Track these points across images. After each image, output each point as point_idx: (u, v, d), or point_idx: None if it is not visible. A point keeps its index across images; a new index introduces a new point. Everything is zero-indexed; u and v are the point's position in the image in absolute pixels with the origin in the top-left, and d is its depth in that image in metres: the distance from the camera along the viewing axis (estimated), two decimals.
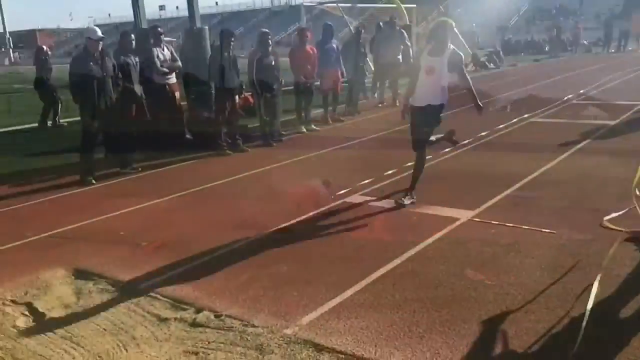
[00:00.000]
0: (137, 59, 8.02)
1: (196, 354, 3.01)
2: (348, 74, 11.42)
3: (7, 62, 67.58)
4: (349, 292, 3.64)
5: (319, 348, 3.00)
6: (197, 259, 4.33)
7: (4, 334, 3.34)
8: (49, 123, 12.11)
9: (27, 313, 3.62)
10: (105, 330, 3.32)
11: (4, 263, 4.47)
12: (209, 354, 3.00)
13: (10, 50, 72.56)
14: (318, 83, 10.34)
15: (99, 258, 4.47)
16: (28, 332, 3.36)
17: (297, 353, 2.96)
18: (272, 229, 4.94)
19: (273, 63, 8.82)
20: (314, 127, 10.20)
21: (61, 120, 12.15)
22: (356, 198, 5.76)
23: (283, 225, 5.03)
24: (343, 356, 2.92)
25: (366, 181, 6.17)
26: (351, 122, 11.07)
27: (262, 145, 8.86)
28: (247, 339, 3.13)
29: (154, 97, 8.31)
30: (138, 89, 7.95)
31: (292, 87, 10.21)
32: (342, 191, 5.87)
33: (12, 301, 3.78)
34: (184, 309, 3.54)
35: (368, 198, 5.75)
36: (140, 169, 7.54)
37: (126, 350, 3.09)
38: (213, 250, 4.48)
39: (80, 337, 3.25)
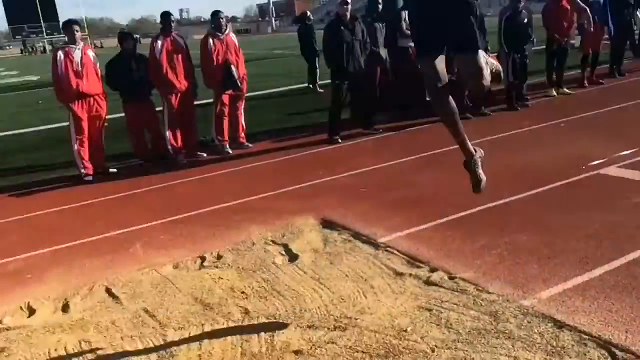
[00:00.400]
0: (383, 24, 8.27)
1: (429, 310, 3.10)
2: (613, 30, 10.08)
3: (269, 30, 75.81)
4: (597, 272, 3.34)
5: (559, 325, 2.83)
6: (434, 219, 4.40)
7: (266, 268, 3.88)
8: (311, 86, 12.94)
9: (283, 252, 4.14)
10: (347, 276, 3.62)
11: (266, 209, 5.14)
12: (441, 312, 3.06)
13: (273, 19, 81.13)
14: (574, 42, 9.36)
15: (343, 210, 4.85)
16: (284, 269, 3.85)
17: (534, 326, 2.84)
18: (512, 197, 4.74)
19: (525, 20, 8.25)
20: (567, 91, 9.33)
21: (320, 89, 12.47)
22: (612, 170, 5.16)
23: (524, 194, 4.78)
24: (587, 337, 2.71)
25: (626, 152, 5.47)
26: (613, 85, 9.84)
27: (506, 110, 8.45)
28: (480, 304, 3.10)
29: (397, 60, 8.51)
30: (383, 52, 8.23)
31: (544, 47, 9.44)
32: (596, 162, 5.32)
33: (272, 241, 4.35)
34: (419, 267, 3.65)
35: (626, 171, 5.10)
36: (381, 130, 7.85)
37: (365, 297, 3.33)
38: (451, 212, 4.49)
39: (326, 280, 3.60)
